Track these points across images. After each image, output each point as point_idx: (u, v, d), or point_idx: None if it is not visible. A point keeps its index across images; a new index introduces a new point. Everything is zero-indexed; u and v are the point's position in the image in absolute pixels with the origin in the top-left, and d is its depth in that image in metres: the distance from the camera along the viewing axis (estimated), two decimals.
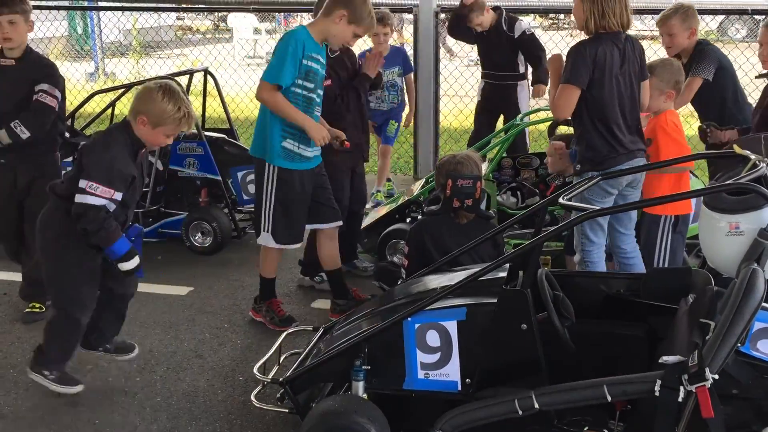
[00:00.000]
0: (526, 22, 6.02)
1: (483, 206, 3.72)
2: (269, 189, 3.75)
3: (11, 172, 4.04)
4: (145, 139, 3.25)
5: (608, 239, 3.68)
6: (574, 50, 3.47)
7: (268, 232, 3.82)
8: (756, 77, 4.29)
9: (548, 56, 5.75)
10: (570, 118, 3.60)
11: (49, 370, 3.36)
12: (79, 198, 3.10)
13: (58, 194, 3.26)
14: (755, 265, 2.30)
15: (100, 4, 10.55)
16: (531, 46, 5.77)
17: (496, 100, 5.98)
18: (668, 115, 3.72)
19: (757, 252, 2.34)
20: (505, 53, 5.81)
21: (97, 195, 3.08)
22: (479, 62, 6.18)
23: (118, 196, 3.14)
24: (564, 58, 3.59)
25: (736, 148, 2.81)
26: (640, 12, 6.04)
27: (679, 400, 2.21)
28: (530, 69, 5.86)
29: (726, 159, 3.23)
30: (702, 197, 2.66)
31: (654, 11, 5.37)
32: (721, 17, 14.44)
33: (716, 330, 2.22)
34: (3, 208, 4.10)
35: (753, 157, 2.67)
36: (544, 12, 11.38)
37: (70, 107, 4.92)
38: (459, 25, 5.88)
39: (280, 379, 2.93)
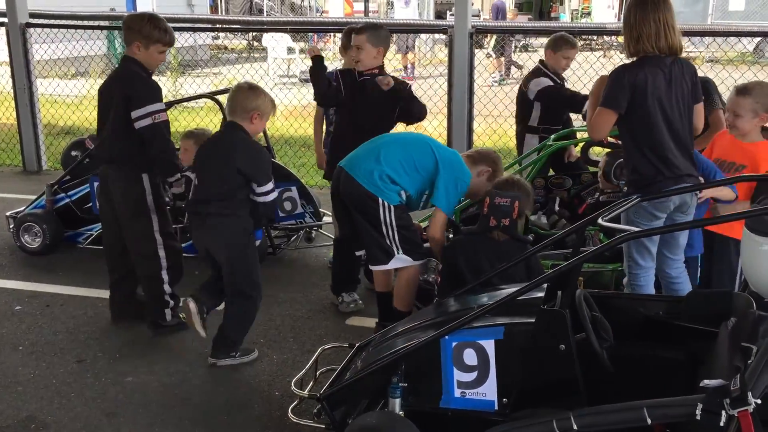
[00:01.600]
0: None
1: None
2: (389, 219, 3.83)
3: None
4: (258, 130, 3.90)
5: (656, 264, 3.64)
6: (613, 74, 3.45)
7: (400, 253, 3.87)
8: None
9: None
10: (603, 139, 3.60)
11: (235, 351, 3.88)
12: (266, 198, 3.79)
13: (239, 204, 3.78)
14: None
15: None
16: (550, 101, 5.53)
17: None
18: None
19: None
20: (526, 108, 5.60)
21: (273, 191, 3.83)
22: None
23: None
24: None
25: None
26: None
27: (721, 424, 2.18)
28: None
29: None
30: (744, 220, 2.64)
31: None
32: (757, 39, 14.34)
33: (759, 354, 2.20)
34: None
35: None
36: (578, 33, 11.35)
37: None
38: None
39: (318, 394, 2.96)
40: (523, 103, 5.61)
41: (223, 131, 3.97)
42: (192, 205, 3.95)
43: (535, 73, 5.53)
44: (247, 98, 3.80)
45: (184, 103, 7.39)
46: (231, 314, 3.87)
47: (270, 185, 3.78)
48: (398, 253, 3.86)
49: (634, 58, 3.46)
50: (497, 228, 3.56)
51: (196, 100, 6.90)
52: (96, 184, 5.45)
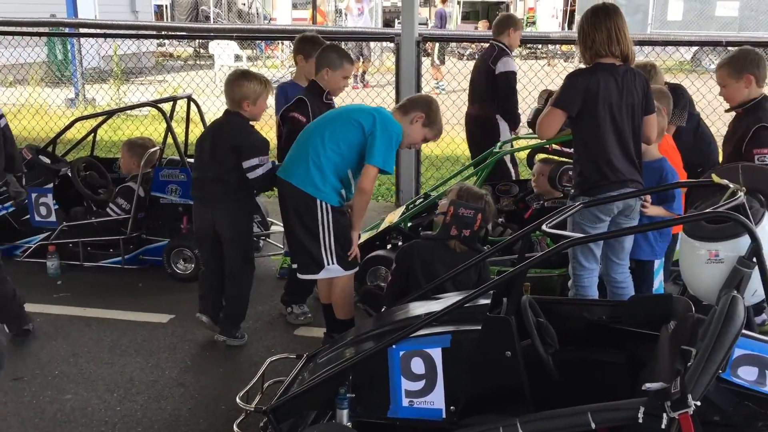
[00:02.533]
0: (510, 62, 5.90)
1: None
2: (326, 222, 3.72)
3: None
4: (255, 114, 4.06)
5: (602, 267, 3.71)
6: (567, 77, 3.54)
7: (333, 263, 3.77)
8: (726, 111, 4.40)
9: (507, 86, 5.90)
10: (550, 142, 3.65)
11: (237, 330, 4.19)
12: (257, 172, 3.93)
13: (235, 184, 4.00)
14: (735, 292, 2.33)
15: (81, 30, 10.51)
16: (504, 87, 5.82)
17: (476, 130, 6.04)
18: (668, 139, 3.84)
19: (737, 279, 2.38)
20: (483, 84, 5.89)
21: (265, 164, 3.94)
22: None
23: None
24: None
25: (715, 178, 2.87)
26: None
27: (662, 427, 2.21)
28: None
29: (705, 188, 3.28)
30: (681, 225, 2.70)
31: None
32: (695, 48, 14.81)
33: (698, 357, 2.24)
34: None
35: (732, 186, 2.72)
36: (522, 42, 11.52)
37: (51, 133, 4.90)
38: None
39: (264, 407, 2.90)
40: None
41: (221, 117, 4.14)
42: (194, 187, 4.21)
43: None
44: (232, 90, 3.99)
45: (128, 112, 7.25)
46: (229, 292, 4.15)
47: (255, 160, 3.91)
48: (330, 264, 3.76)
49: (588, 65, 3.54)
50: (458, 238, 3.57)
51: (140, 109, 6.76)
52: (34, 195, 5.31)
